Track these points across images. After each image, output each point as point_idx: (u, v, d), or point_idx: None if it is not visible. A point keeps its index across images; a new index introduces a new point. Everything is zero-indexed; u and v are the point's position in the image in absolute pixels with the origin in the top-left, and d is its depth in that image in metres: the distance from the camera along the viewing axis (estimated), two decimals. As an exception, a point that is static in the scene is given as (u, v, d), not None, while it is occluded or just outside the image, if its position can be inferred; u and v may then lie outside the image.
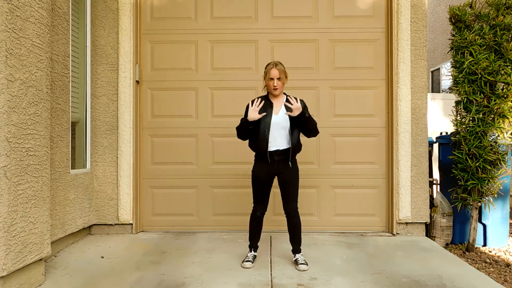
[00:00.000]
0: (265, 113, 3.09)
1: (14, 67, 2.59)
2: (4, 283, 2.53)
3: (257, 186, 3.23)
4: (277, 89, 3.11)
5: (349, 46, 4.44)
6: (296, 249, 3.29)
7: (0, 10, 2.48)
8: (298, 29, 4.44)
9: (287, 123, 3.13)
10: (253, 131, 3.14)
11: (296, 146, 3.17)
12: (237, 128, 3.19)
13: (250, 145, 3.25)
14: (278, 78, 3.09)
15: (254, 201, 3.27)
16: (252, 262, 3.27)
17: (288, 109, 3.10)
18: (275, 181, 3.31)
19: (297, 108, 3.00)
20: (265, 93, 3.28)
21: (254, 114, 3.04)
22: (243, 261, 3.27)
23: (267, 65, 3.17)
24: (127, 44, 4.27)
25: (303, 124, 3.12)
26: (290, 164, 3.15)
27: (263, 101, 3.10)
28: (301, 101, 3.12)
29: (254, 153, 3.26)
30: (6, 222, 2.51)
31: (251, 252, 3.35)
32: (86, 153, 4.20)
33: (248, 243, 3.38)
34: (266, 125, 3.11)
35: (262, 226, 3.32)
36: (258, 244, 3.40)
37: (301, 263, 3.20)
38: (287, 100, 3.12)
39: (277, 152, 3.14)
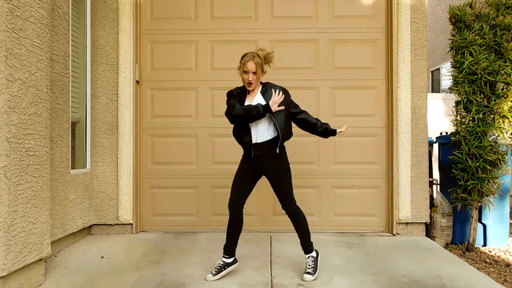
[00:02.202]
0: (283, 107, 2.83)
1: (14, 67, 2.59)
2: (4, 283, 2.53)
3: (235, 178, 2.98)
4: (251, 84, 2.86)
5: (349, 46, 4.44)
6: (305, 249, 3.04)
7: (0, 10, 2.48)
8: (298, 29, 4.44)
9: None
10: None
11: (284, 135, 2.91)
12: (240, 112, 2.82)
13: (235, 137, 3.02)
14: (254, 73, 2.83)
15: (231, 193, 2.98)
16: (213, 274, 2.95)
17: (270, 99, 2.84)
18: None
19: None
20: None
21: (275, 106, 2.78)
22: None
23: (243, 56, 2.90)
24: (127, 44, 4.27)
25: (322, 135, 3.06)
26: (277, 151, 2.87)
27: (239, 92, 2.93)
28: (282, 89, 2.90)
29: None
30: (6, 222, 2.51)
31: (222, 259, 3.04)
32: (86, 153, 4.20)
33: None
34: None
35: (242, 227, 3.02)
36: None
37: (306, 272, 2.97)
38: (265, 91, 2.91)
39: (256, 145, 2.90)
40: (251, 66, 2.83)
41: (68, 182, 3.67)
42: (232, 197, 2.97)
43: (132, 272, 3.14)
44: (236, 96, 2.95)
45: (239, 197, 2.96)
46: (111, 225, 4.30)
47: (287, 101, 2.94)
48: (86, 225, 4.07)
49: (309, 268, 3.00)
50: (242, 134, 2.94)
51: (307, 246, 3.05)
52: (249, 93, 2.96)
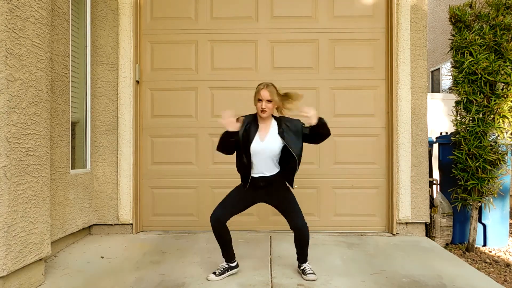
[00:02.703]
0: (240, 127, 2.85)
1: (14, 67, 2.59)
2: (4, 283, 2.53)
3: (231, 195, 2.99)
4: (265, 111, 2.85)
5: (349, 46, 4.44)
6: (304, 260, 3.08)
7: (0, 10, 2.48)
8: (298, 29, 4.44)
9: (274, 151, 2.91)
10: (234, 149, 2.93)
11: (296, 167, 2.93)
12: (219, 139, 2.93)
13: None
14: (268, 101, 2.84)
15: (219, 205, 2.98)
16: (216, 275, 2.98)
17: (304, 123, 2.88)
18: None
19: (313, 115, 2.78)
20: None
21: (230, 125, 2.80)
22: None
23: (258, 85, 2.94)
24: (127, 44, 4.27)
25: (318, 132, 2.88)
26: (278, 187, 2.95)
27: (248, 122, 2.91)
28: (298, 120, 2.95)
29: None
30: (6, 222, 2.51)
31: (224, 263, 3.06)
32: (86, 153, 4.20)
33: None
34: (246, 150, 2.88)
35: (229, 233, 3.00)
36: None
37: (309, 273, 2.99)
38: (283, 131, 2.90)
39: (262, 178, 2.93)
40: (264, 94, 2.85)
41: (68, 182, 3.67)
42: (222, 213, 2.93)
43: (132, 272, 3.14)
44: (245, 124, 2.90)
45: (228, 215, 2.95)
46: (111, 225, 4.29)
47: (300, 129, 2.91)
48: (86, 225, 4.07)
49: (310, 271, 3.02)
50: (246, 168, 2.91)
51: (305, 258, 3.08)
52: (259, 127, 2.92)
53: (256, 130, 2.92)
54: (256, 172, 2.94)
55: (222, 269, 3.02)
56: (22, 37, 2.67)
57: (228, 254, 3.05)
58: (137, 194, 4.36)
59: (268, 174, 2.95)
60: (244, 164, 2.91)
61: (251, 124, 2.93)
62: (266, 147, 2.90)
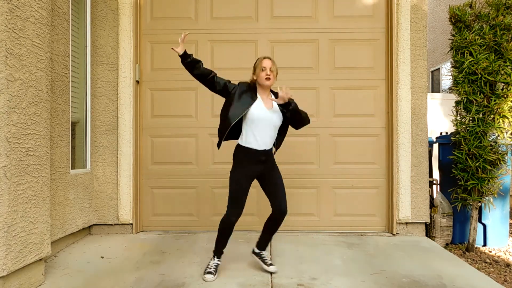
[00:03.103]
0: (232, 89, 2.91)
1: (14, 67, 2.59)
2: (4, 283, 2.53)
3: (239, 189, 2.91)
4: (270, 78, 2.88)
5: (349, 46, 4.44)
6: (265, 247, 3.17)
7: (0, 10, 2.48)
8: (298, 29, 4.44)
9: (279, 121, 2.95)
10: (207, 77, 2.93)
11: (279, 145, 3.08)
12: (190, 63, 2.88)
13: (226, 138, 2.99)
14: (271, 69, 2.90)
15: (231, 205, 2.94)
16: (214, 274, 2.98)
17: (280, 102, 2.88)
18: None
19: (285, 95, 2.79)
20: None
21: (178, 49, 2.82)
22: (204, 273, 3.00)
23: (256, 60, 2.99)
24: (127, 44, 4.27)
25: (293, 116, 2.90)
26: (273, 161, 3.01)
27: (243, 88, 2.93)
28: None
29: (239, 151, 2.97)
30: (6, 222, 2.51)
31: (214, 259, 3.06)
32: (86, 153, 4.20)
33: (214, 249, 3.08)
34: (237, 112, 2.86)
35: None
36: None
37: (270, 264, 3.11)
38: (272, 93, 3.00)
39: (264, 152, 2.93)
40: (267, 62, 2.91)
41: (68, 182, 3.67)
42: (238, 204, 2.92)
43: (132, 272, 3.14)
44: (241, 89, 2.93)
45: (242, 211, 2.97)
46: (111, 225, 4.30)
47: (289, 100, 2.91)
48: (86, 225, 4.07)
49: (269, 260, 3.13)
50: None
51: (267, 244, 3.18)
52: (260, 97, 2.94)
53: (256, 98, 2.93)
54: (260, 145, 2.90)
55: (214, 266, 3.03)
56: (22, 37, 2.67)
57: (222, 251, 3.08)
58: (137, 194, 4.36)
59: (268, 148, 2.95)
60: (226, 127, 2.90)
61: (247, 90, 2.94)
62: (273, 116, 2.92)
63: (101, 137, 4.28)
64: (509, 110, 3.88)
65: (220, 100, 4.48)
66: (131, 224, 4.30)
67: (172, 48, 2.88)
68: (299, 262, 3.34)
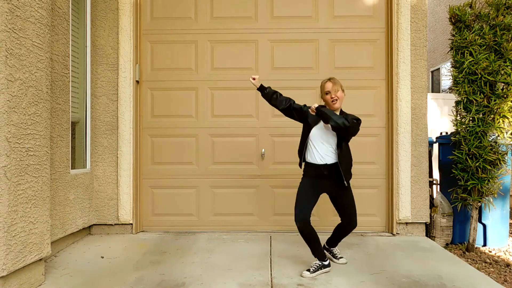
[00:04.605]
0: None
1: (14, 67, 2.59)
2: (4, 283, 2.53)
3: (305, 193, 3.10)
4: (335, 100, 3.05)
5: (349, 46, 4.44)
6: (335, 244, 3.39)
7: (0, 10, 2.48)
8: (298, 29, 4.44)
9: (328, 137, 3.05)
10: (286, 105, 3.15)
11: (342, 162, 3.03)
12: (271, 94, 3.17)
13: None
14: (335, 91, 3.05)
15: (297, 207, 3.09)
16: (311, 272, 3.04)
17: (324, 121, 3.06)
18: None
19: (313, 107, 3.00)
20: None
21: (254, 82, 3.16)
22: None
23: (320, 83, 3.15)
24: (127, 44, 4.27)
25: (344, 132, 3.01)
26: (345, 183, 3.05)
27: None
28: (347, 115, 3.07)
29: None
30: (6, 222, 2.51)
31: (316, 260, 3.14)
32: (86, 153, 4.20)
33: None
34: (307, 135, 3.10)
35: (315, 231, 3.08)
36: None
37: (340, 257, 3.37)
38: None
39: (325, 166, 3.04)
40: (328, 85, 3.07)
41: (68, 182, 3.67)
42: (305, 213, 3.04)
43: (132, 272, 3.14)
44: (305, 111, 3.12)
45: (310, 212, 3.07)
46: (111, 225, 4.30)
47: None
48: (86, 225, 4.07)
49: (338, 254, 3.38)
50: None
51: (336, 244, 3.39)
52: None
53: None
54: (320, 159, 3.04)
55: (316, 266, 3.07)
56: (22, 37, 2.67)
57: (320, 252, 3.12)
58: (137, 194, 4.36)
59: (329, 162, 3.04)
60: (301, 147, 3.14)
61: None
62: (320, 132, 3.07)
63: (101, 137, 4.28)
64: (509, 110, 3.88)
65: (220, 100, 4.51)
66: (131, 224, 4.30)
67: (250, 81, 3.19)
68: (299, 262, 3.34)
